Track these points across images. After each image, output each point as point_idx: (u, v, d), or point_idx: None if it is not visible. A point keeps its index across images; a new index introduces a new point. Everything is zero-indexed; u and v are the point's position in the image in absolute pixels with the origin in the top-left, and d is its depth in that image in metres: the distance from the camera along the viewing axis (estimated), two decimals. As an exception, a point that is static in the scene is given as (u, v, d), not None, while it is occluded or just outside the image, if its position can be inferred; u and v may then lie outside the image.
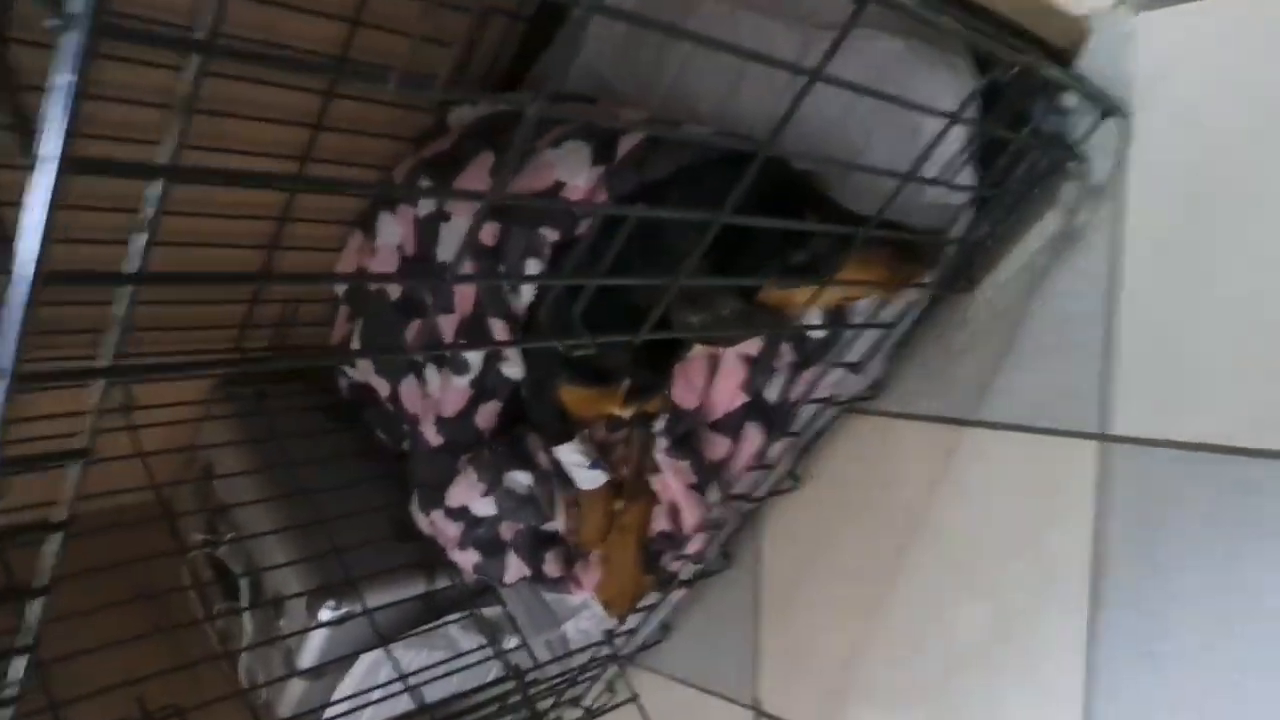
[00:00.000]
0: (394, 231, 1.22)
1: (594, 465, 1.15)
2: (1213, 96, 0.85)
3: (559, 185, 1.02)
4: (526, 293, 1.05)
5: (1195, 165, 0.86)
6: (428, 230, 1.16)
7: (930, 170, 0.84)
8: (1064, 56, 0.90)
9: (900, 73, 0.93)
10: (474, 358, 1.12)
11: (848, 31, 0.56)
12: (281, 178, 1.19)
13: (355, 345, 1.30)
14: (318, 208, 1.27)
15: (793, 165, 0.93)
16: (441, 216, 1.13)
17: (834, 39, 0.57)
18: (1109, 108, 0.86)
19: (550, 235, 1.00)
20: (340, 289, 1.32)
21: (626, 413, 1.09)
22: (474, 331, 1.12)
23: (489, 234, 1.06)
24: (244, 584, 1.29)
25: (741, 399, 1.07)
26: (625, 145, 1.00)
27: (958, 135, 0.84)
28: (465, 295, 1.12)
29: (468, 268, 1.08)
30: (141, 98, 1.02)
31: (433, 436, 1.19)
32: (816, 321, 1.00)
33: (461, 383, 1.13)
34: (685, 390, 1.08)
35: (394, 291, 1.23)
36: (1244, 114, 0.83)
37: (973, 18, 0.74)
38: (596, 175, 1.00)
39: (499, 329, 1.07)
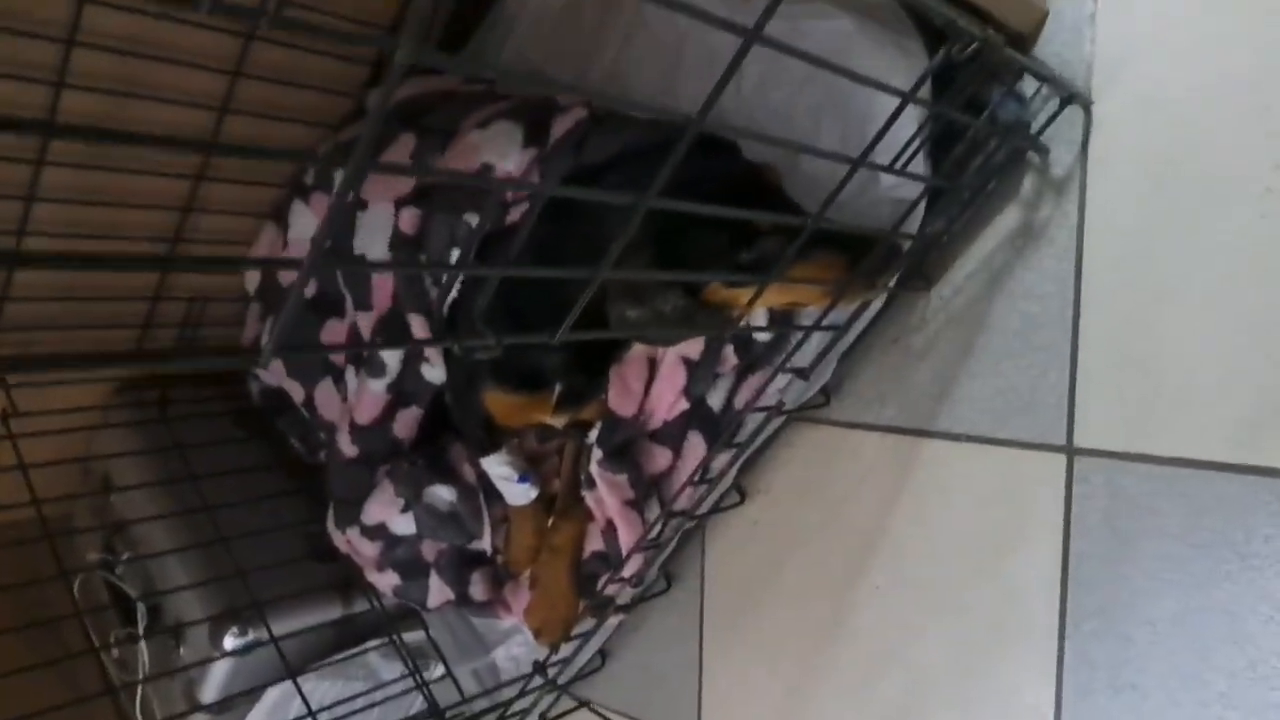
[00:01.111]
0: (308, 222, 1.13)
1: (523, 479, 1.06)
2: (1178, 83, 0.79)
3: (486, 168, 0.94)
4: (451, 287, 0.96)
5: (1160, 156, 0.80)
6: (342, 219, 1.07)
7: (882, 158, 0.77)
8: (1022, 42, 0.84)
9: (850, 53, 0.86)
10: (391, 359, 1.03)
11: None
12: (192, 143, 1.09)
13: (266, 345, 1.20)
14: (226, 199, 1.17)
15: (746, 160, 0.85)
16: (359, 205, 1.04)
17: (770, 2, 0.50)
18: (1069, 94, 0.80)
19: (474, 223, 0.91)
20: (252, 286, 1.22)
21: (558, 421, 1.01)
22: (392, 329, 1.03)
23: (409, 222, 0.97)
24: (141, 608, 1.18)
25: (682, 406, 0.99)
26: (560, 127, 0.93)
27: (910, 120, 0.77)
28: (383, 290, 1.04)
29: (387, 258, 1.00)
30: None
31: (347, 446, 1.10)
32: (762, 323, 0.93)
33: (378, 387, 1.04)
34: (622, 396, 1.00)
35: (309, 288, 1.13)
36: (1211, 101, 0.78)
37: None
38: (528, 158, 0.93)
39: (418, 326, 0.98)
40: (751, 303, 0.73)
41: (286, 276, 1.20)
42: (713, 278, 0.77)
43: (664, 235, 0.75)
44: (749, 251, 0.76)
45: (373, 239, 1.02)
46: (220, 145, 0.43)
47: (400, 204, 0.99)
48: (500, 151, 0.94)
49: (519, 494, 1.06)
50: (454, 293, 0.95)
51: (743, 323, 0.90)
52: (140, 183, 1.10)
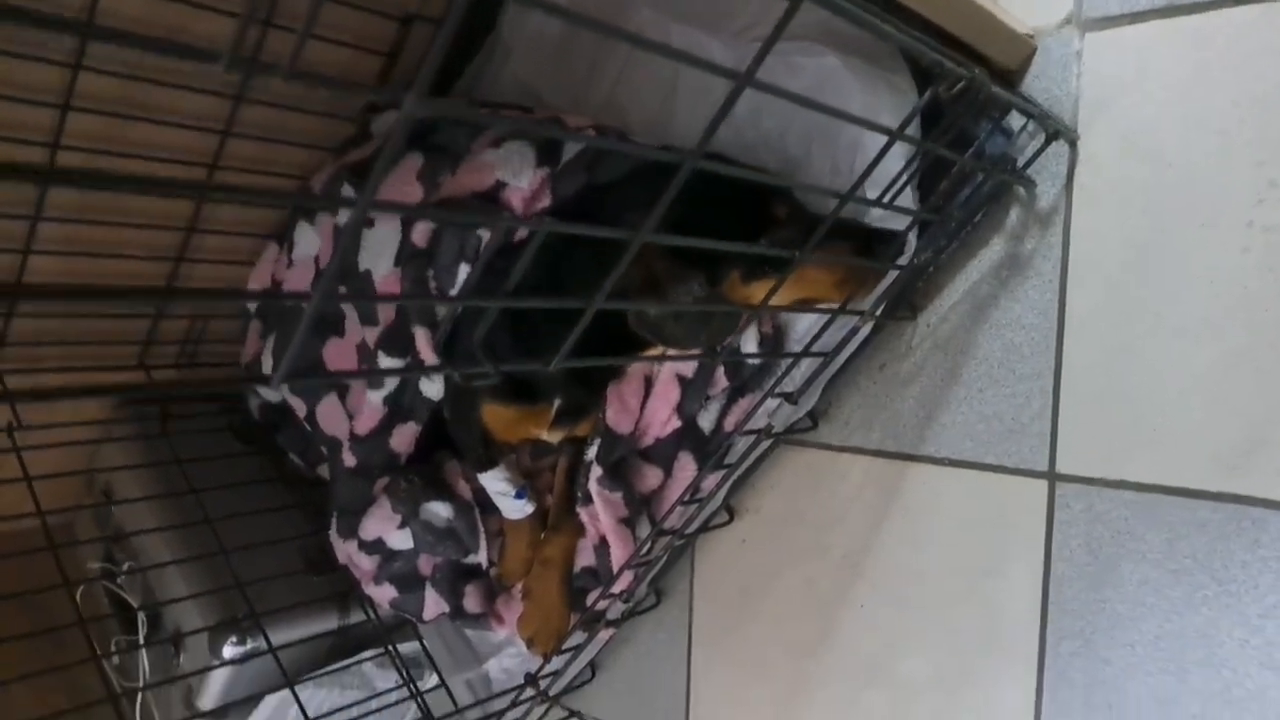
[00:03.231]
0: (312, 242, 1.15)
1: (520, 494, 1.08)
2: (1161, 119, 0.81)
3: (500, 185, 0.96)
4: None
5: (1144, 190, 0.82)
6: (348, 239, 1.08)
7: (870, 193, 0.79)
8: (1010, 77, 0.86)
9: (839, 89, 0.88)
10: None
11: (780, 31, 0.51)
12: (191, 185, 1.11)
13: (268, 362, 1.22)
14: (230, 219, 1.19)
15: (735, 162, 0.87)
16: (364, 222, 1.06)
17: (765, 40, 0.52)
18: (1055, 130, 0.82)
19: (495, 237, 0.93)
20: (252, 303, 1.23)
21: (554, 438, 1.03)
22: (396, 341, 1.05)
23: (422, 234, 0.99)
24: (142, 617, 1.20)
25: (675, 424, 1.01)
26: (572, 147, 0.95)
27: (899, 154, 0.79)
28: (387, 306, 1.05)
29: (393, 273, 1.01)
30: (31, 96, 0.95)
31: (348, 457, 1.11)
32: (753, 347, 0.95)
33: (376, 399, 1.06)
34: (620, 413, 1.02)
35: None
36: (1196, 136, 0.79)
37: (916, 31, 0.70)
38: (541, 177, 0.95)
39: (423, 339, 0.99)
40: (771, 294, 0.74)
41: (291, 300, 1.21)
42: (738, 249, 0.76)
43: (680, 228, 0.77)
44: (765, 241, 0.78)
45: (379, 257, 1.03)
46: (216, 185, 0.44)
47: (410, 220, 1.01)
48: (514, 170, 0.96)
49: (516, 509, 1.08)
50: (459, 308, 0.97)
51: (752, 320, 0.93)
52: (144, 203, 1.12)
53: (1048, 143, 0.83)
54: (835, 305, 0.82)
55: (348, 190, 1.10)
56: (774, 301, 0.79)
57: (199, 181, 1.09)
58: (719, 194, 0.77)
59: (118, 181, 0.39)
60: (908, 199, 0.82)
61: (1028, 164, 0.85)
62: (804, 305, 0.88)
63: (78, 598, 1.23)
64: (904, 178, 0.74)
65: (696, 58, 0.51)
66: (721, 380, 0.98)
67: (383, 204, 0.97)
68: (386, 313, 1.07)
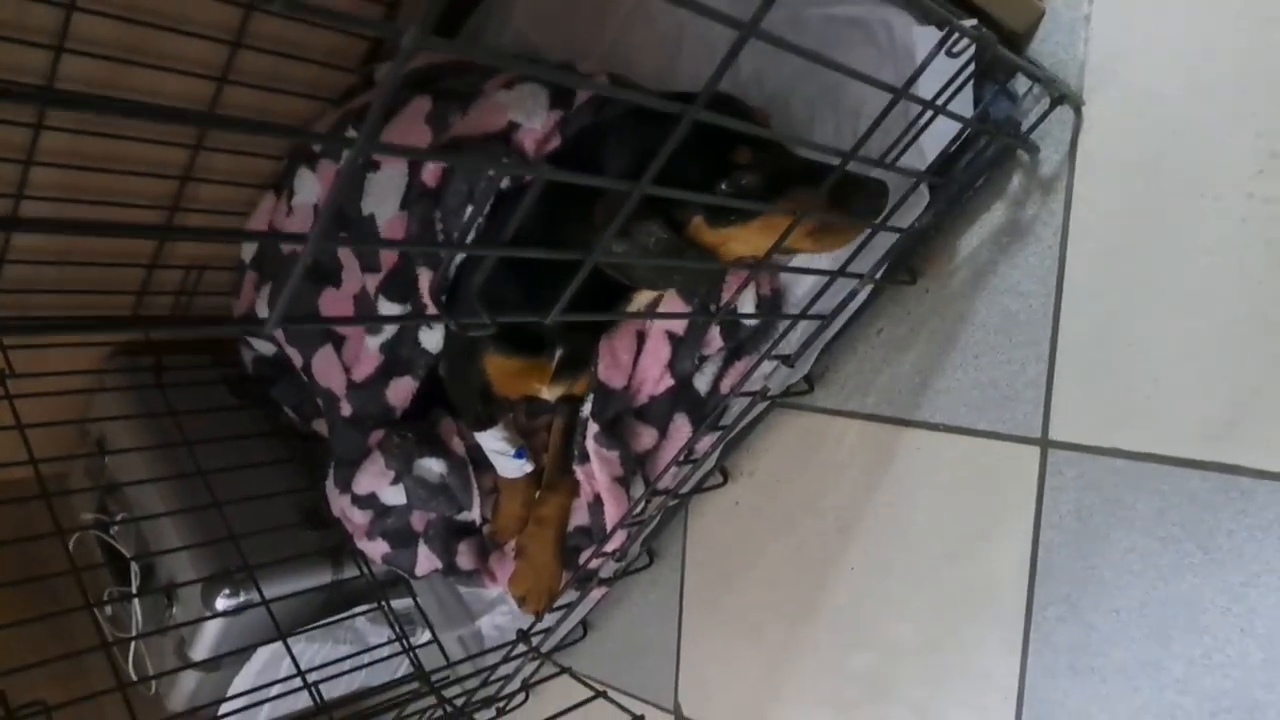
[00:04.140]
0: (312, 189, 1.14)
1: (519, 454, 1.08)
2: (1167, 86, 0.81)
3: (513, 126, 0.96)
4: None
5: (1146, 158, 0.82)
6: (351, 184, 1.07)
7: (874, 151, 0.79)
8: (1017, 40, 0.86)
9: (846, 43, 0.88)
10: (390, 315, 1.04)
11: (782, -16, 0.50)
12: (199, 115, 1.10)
13: (263, 313, 1.21)
14: (225, 169, 1.18)
15: (741, 103, 0.84)
16: (370, 166, 1.05)
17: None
18: (1060, 95, 0.82)
19: (498, 179, 0.92)
20: (248, 254, 1.23)
21: (553, 394, 1.03)
22: (399, 285, 1.04)
23: (432, 174, 0.98)
24: (135, 568, 1.21)
25: (668, 382, 1.01)
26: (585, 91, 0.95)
27: (902, 115, 0.78)
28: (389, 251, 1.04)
29: (399, 216, 1.01)
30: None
31: (344, 406, 1.11)
32: (750, 308, 0.94)
33: (373, 345, 1.06)
34: (611, 367, 1.02)
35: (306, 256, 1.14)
36: (1198, 105, 0.79)
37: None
38: (554, 119, 0.95)
39: (426, 280, 0.99)
40: (739, 248, 0.72)
41: (289, 244, 1.21)
42: (727, 202, 0.75)
43: (642, 170, 0.74)
44: (727, 184, 0.75)
45: (383, 200, 1.03)
46: (219, 117, 0.43)
47: (417, 161, 1.01)
48: (527, 111, 0.95)
49: (514, 468, 1.08)
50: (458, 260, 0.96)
51: (732, 304, 0.92)
52: (139, 150, 1.11)
53: (1052, 107, 0.83)
54: (811, 254, 0.79)
55: (353, 135, 1.09)
56: (743, 250, 0.77)
57: (200, 112, 1.07)
58: (692, 139, 0.75)
59: (118, 106, 0.38)
60: (912, 161, 0.82)
61: (1032, 128, 0.85)
62: (779, 254, 0.86)
63: (71, 547, 1.23)
64: (907, 138, 0.73)
65: (701, 4, 0.51)
66: (717, 340, 0.98)
67: (390, 148, 0.96)
68: (389, 257, 1.06)
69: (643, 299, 0.90)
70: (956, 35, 0.62)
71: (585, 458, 1.04)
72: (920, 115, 0.70)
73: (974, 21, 0.67)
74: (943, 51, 0.65)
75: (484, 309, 0.55)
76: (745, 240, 0.77)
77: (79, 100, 0.30)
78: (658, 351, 0.99)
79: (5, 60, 0.95)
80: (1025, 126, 0.85)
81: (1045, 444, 0.89)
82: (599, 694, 0.93)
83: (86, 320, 0.54)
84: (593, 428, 1.02)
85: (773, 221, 0.74)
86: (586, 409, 1.04)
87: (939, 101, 0.68)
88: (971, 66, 0.69)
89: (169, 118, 0.31)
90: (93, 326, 0.89)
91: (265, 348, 1.26)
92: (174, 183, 1.16)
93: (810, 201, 0.71)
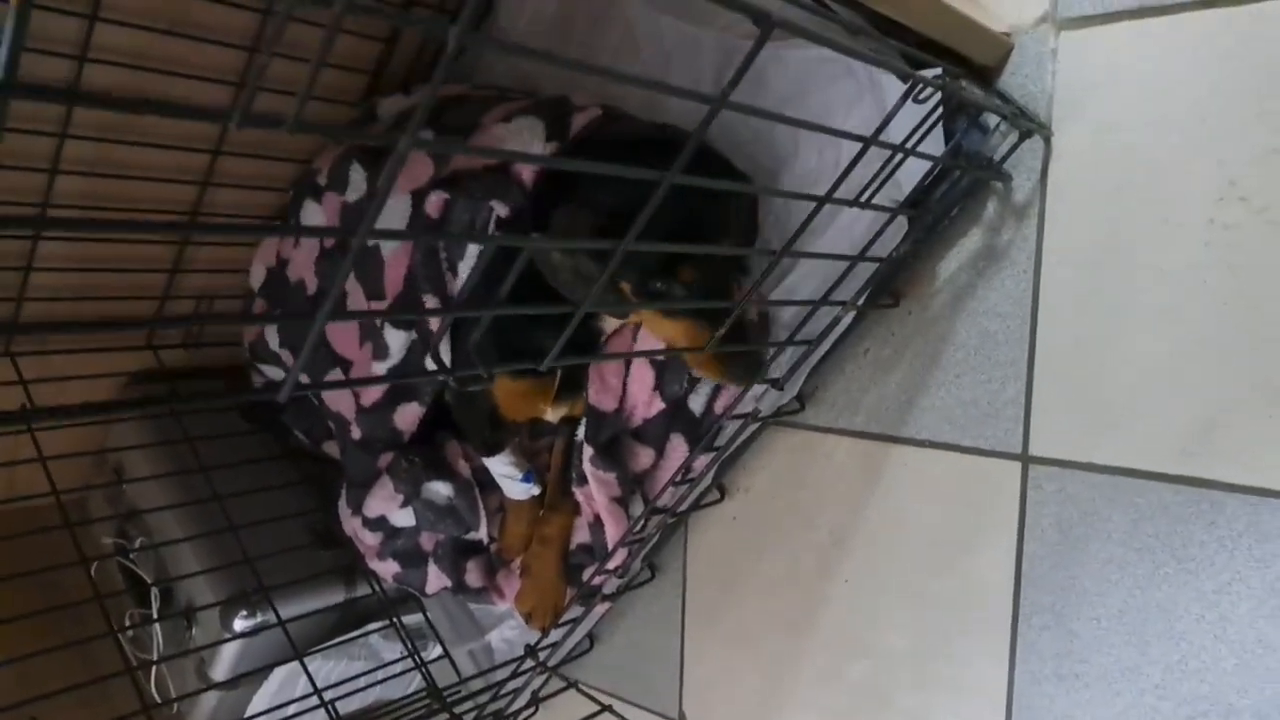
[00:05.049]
0: (319, 222, 1.18)
1: (526, 478, 1.12)
2: (1132, 116, 0.84)
3: (508, 161, 0.99)
4: (463, 273, 1.01)
5: (1114, 186, 0.85)
6: (355, 216, 1.11)
7: (850, 190, 0.82)
8: (987, 74, 0.89)
9: (823, 81, 0.91)
10: (396, 344, 1.08)
11: (751, 60, 0.54)
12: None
13: (272, 341, 1.25)
14: (255, 142, 1.20)
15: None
16: (374, 198, 1.09)
17: (739, 67, 0.55)
18: (1031, 127, 0.85)
19: (500, 209, 0.96)
20: (256, 282, 1.27)
21: (555, 415, 1.07)
22: (405, 311, 1.08)
23: (435, 205, 1.02)
24: (155, 592, 1.25)
25: (659, 404, 1.05)
26: (579, 121, 0.98)
27: (878, 152, 0.82)
28: (395, 276, 1.07)
29: (402, 247, 1.04)
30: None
31: (354, 429, 1.16)
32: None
33: (380, 369, 1.10)
34: (601, 391, 1.05)
35: (311, 285, 1.18)
36: (1162, 134, 0.83)
37: (890, 38, 0.72)
38: (550, 151, 0.98)
39: (432, 306, 1.03)
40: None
41: (293, 272, 1.24)
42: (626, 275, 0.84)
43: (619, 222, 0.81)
44: (661, 283, 0.84)
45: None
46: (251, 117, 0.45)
47: (420, 192, 1.04)
48: (524, 143, 0.99)
49: (521, 491, 1.12)
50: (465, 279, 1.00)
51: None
52: (159, 157, 1.14)
53: (1021, 140, 0.86)
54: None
55: (356, 171, 1.13)
56: (650, 328, 0.90)
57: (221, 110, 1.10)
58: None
59: (152, 106, 0.40)
60: (888, 194, 0.85)
61: (1003, 159, 0.88)
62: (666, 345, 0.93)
63: (92, 574, 1.27)
64: (880, 179, 0.77)
65: (669, 85, 0.54)
66: (708, 365, 1.01)
67: (424, 143, 0.99)
68: (394, 286, 1.09)
69: (614, 324, 0.95)
70: (920, 85, 0.66)
71: (584, 479, 1.08)
72: (892, 158, 0.73)
73: (936, 71, 0.70)
74: (909, 100, 0.68)
75: (480, 362, 0.59)
76: (656, 325, 0.88)
77: (111, 101, 0.33)
78: (643, 378, 1.03)
79: (32, 70, 0.98)
80: (997, 157, 0.88)
81: (1026, 459, 0.92)
82: (605, 708, 0.97)
83: (102, 323, 0.58)
84: (588, 450, 1.06)
85: (682, 329, 0.85)
86: (581, 432, 1.08)
87: (909, 144, 0.72)
88: (940, 110, 0.73)
89: (190, 115, 0.34)
90: (107, 327, 0.92)
91: (275, 373, 1.30)
92: (193, 189, 1.19)
93: (702, 339, 0.83)
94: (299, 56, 1.06)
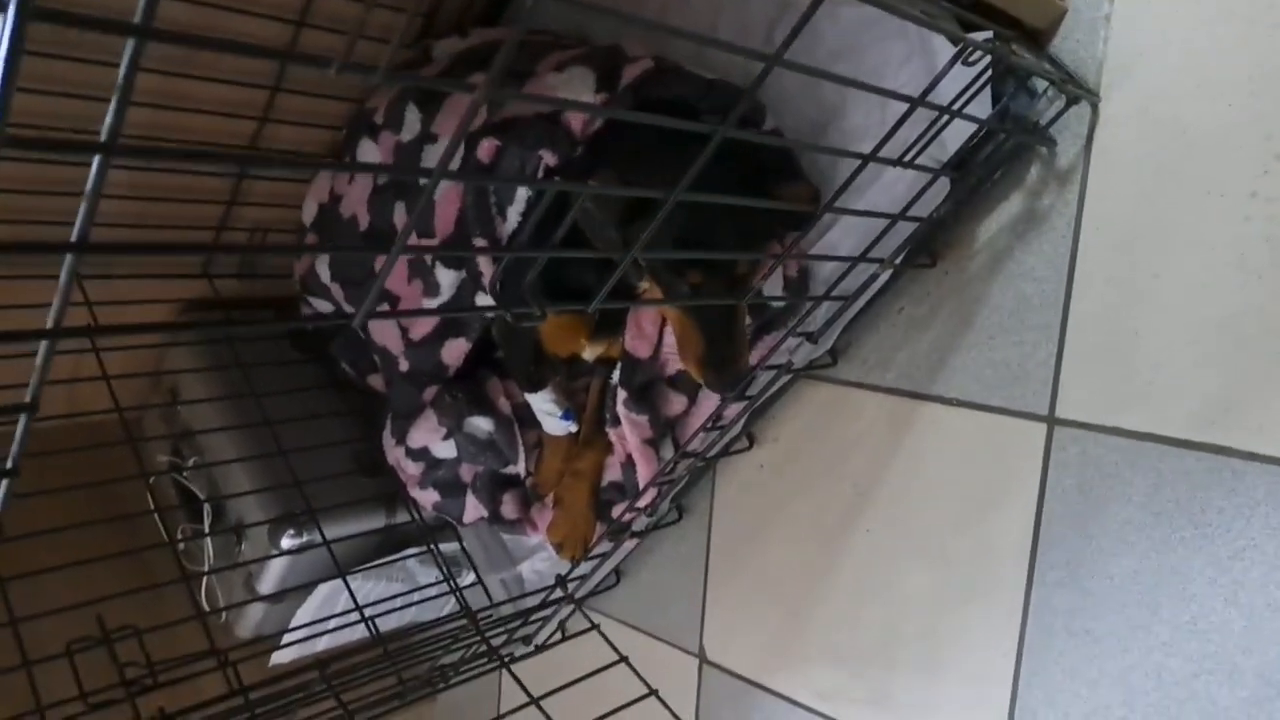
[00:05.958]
0: (373, 159, 1.21)
1: (566, 415, 1.16)
2: (1179, 87, 0.84)
3: (559, 110, 1.02)
4: (512, 217, 1.04)
5: (1158, 155, 0.86)
6: (410, 155, 1.14)
7: (895, 149, 0.84)
8: (1039, 37, 0.89)
9: (874, 38, 0.92)
10: (447, 282, 1.12)
11: (808, 18, 0.56)
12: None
13: (323, 274, 1.29)
14: (312, 81, 1.24)
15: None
16: (427, 138, 1.12)
17: (795, 25, 0.57)
18: (1079, 93, 0.86)
19: (548, 158, 0.99)
20: (308, 217, 1.30)
21: (592, 354, 1.10)
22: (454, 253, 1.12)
23: (486, 151, 1.04)
24: (208, 509, 1.31)
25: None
26: (630, 74, 1.00)
27: (924, 113, 0.83)
28: (446, 217, 1.10)
29: (454, 188, 1.07)
30: None
31: (402, 362, 1.20)
32: (777, 290, 1.00)
33: (431, 305, 1.13)
34: (637, 339, 1.09)
35: (363, 221, 1.22)
36: (1210, 105, 0.83)
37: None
38: (600, 101, 1.00)
39: (481, 246, 1.06)
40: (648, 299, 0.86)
41: (346, 208, 1.27)
42: (652, 255, 0.87)
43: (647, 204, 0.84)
44: (679, 279, 0.88)
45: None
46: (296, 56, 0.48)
47: (474, 136, 1.07)
48: (575, 93, 1.00)
49: (559, 427, 1.16)
50: (515, 224, 1.04)
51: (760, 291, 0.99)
52: (220, 91, 1.17)
53: (1069, 105, 0.87)
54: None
55: (412, 111, 1.15)
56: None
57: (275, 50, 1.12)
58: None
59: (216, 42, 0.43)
60: (932, 155, 0.86)
61: (1049, 124, 0.89)
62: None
63: (148, 490, 1.34)
64: (926, 139, 0.78)
65: (724, 42, 0.56)
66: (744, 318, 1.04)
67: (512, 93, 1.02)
68: (444, 226, 1.12)
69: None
70: (970, 48, 0.67)
71: (616, 421, 1.12)
72: (938, 119, 0.75)
73: (988, 35, 0.71)
74: (959, 62, 0.69)
75: (535, 302, 0.62)
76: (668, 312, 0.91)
77: (180, 37, 0.36)
78: None
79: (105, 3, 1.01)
80: (1043, 122, 0.89)
81: (1052, 421, 0.95)
82: (622, 659, 1.02)
83: (167, 246, 0.61)
84: (621, 394, 1.10)
85: (682, 328, 0.90)
86: (615, 376, 1.11)
87: (956, 106, 0.73)
88: (989, 73, 0.74)
89: (252, 53, 0.37)
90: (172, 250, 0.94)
91: (324, 305, 1.35)
92: (252, 124, 1.23)
93: (692, 343, 0.88)
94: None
